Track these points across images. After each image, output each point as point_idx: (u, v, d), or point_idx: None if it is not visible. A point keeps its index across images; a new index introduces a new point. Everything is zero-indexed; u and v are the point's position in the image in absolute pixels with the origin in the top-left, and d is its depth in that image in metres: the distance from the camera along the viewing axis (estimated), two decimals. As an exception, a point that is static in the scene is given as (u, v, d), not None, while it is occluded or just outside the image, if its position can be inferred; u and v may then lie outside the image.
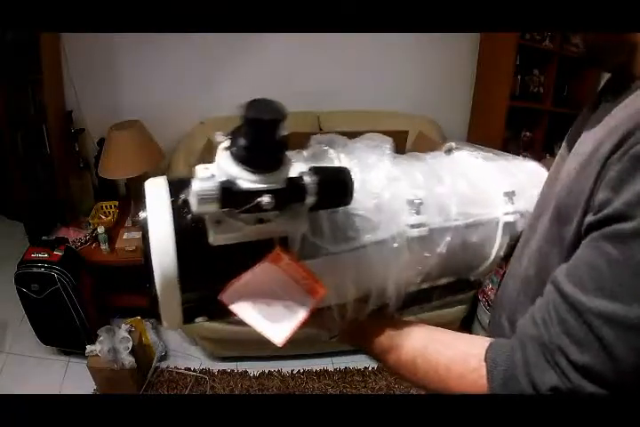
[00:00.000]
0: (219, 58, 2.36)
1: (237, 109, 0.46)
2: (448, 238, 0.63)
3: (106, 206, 2.37)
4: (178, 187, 0.52)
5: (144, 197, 0.52)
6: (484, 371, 0.53)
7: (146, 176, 2.43)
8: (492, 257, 0.69)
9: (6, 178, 2.41)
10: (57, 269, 1.91)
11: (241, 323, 0.58)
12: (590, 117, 0.60)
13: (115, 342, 1.89)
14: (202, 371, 2.08)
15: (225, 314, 0.56)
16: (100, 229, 2.13)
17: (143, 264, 0.54)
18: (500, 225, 0.68)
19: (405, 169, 0.64)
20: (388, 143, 0.64)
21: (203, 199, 0.45)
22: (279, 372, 2.08)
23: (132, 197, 2.32)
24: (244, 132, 0.47)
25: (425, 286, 0.67)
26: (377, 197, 0.58)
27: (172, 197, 0.51)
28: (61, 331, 2.07)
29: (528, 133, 2.55)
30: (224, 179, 0.47)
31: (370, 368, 2.08)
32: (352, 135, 0.67)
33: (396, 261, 0.59)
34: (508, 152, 0.81)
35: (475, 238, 0.67)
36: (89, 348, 1.89)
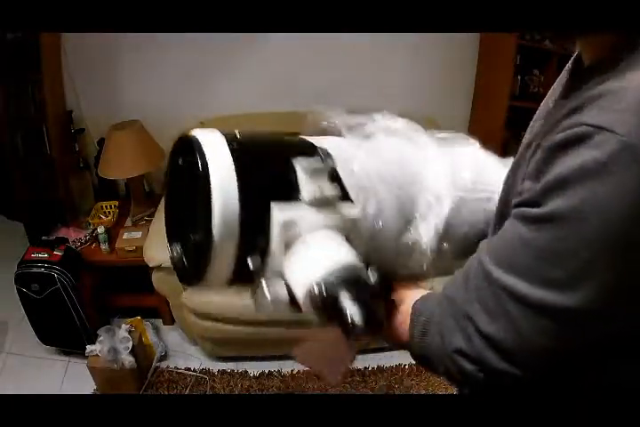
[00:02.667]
0: (219, 58, 2.36)
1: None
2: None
3: (106, 206, 2.37)
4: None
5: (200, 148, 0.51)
6: (407, 315, 0.57)
7: (146, 176, 2.39)
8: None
9: (6, 178, 2.40)
10: (57, 269, 1.91)
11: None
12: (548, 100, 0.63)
13: (115, 342, 1.89)
14: (202, 371, 2.08)
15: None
16: (100, 229, 2.13)
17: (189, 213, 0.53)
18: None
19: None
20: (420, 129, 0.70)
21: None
22: (279, 372, 2.08)
23: (132, 197, 2.32)
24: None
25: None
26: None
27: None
28: (61, 331, 2.07)
29: (528, 133, 2.56)
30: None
31: (370, 368, 2.08)
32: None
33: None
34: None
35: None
36: (89, 348, 1.89)
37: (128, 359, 1.87)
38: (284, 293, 0.54)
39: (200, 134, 0.53)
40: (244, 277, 0.56)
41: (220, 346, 2.10)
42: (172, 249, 0.59)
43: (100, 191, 2.52)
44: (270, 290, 0.53)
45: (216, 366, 2.12)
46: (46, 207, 2.46)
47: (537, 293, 0.46)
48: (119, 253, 2.12)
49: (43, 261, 1.93)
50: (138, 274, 2.08)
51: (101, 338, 1.90)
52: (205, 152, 0.49)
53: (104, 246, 2.16)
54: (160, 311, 2.28)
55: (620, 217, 0.42)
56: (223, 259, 0.50)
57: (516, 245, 0.48)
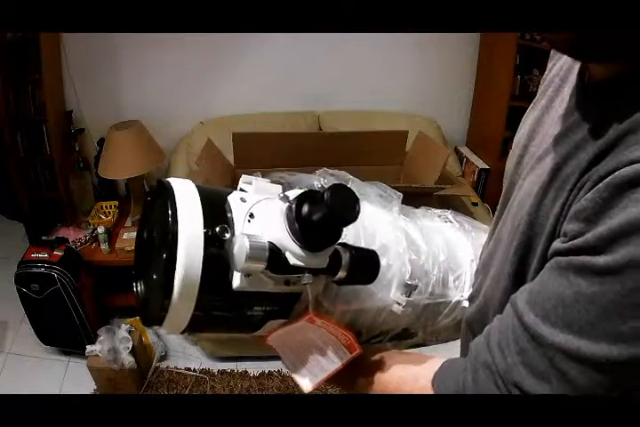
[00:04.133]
0: (219, 58, 2.36)
1: (315, 186, 0.51)
2: (421, 308, 0.66)
3: (106, 206, 2.37)
4: (210, 205, 0.50)
5: (169, 200, 0.49)
6: (431, 391, 0.52)
7: (146, 176, 2.39)
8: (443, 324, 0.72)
9: (6, 178, 2.40)
10: (57, 269, 1.91)
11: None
12: (551, 112, 0.56)
13: (115, 342, 1.89)
14: (202, 371, 2.08)
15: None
16: (100, 229, 2.14)
17: (145, 263, 0.54)
18: (460, 306, 0.71)
19: (407, 234, 0.66)
20: (397, 196, 0.68)
21: (250, 259, 0.46)
22: (279, 372, 2.08)
23: (132, 197, 2.32)
24: (316, 215, 0.48)
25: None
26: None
27: (204, 221, 0.48)
28: (61, 331, 2.07)
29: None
30: (273, 244, 0.48)
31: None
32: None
33: (379, 318, 0.64)
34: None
35: (441, 310, 0.69)
36: (89, 348, 1.89)
37: (128, 359, 1.87)
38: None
39: (175, 182, 0.51)
40: (198, 329, 0.56)
41: (220, 346, 2.10)
42: (135, 286, 0.57)
43: (100, 191, 2.52)
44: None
45: (216, 366, 2.12)
46: (46, 207, 2.46)
47: (602, 349, 0.41)
48: (119, 253, 2.12)
49: (43, 261, 1.93)
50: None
51: (101, 338, 1.89)
52: (177, 202, 0.48)
53: (104, 246, 2.16)
54: (160, 311, 2.28)
55: None
56: (179, 314, 0.50)
57: (572, 300, 0.42)
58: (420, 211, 0.74)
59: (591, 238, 0.41)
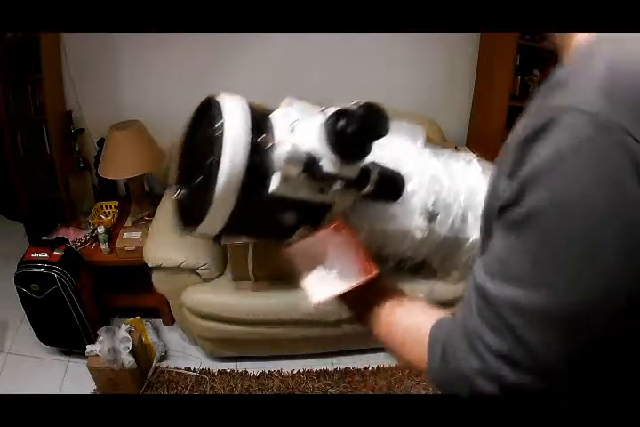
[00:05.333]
0: (218, 58, 2.36)
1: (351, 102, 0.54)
2: (441, 239, 0.68)
3: (106, 206, 2.37)
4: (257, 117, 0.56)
5: (218, 109, 0.55)
6: (426, 342, 0.56)
7: (146, 176, 2.39)
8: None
9: (6, 178, 2.40)
10: (57, 269, 1.91)
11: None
12: None
13: (115, 342, 1.89)
14: (202, 371, 2.08)
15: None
16: (100, 229, 2.14)
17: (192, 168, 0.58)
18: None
19: (431, 167, 0.70)
20: (421, 132, 0.70)
21: (289, 163, 0.52)
22: (279, 372, 2.08)
23: (132, 197, 2.32)
24: (350, 127, 0.53)
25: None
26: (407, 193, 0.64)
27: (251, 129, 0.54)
28: (61, 331, 2.07)
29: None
30: (310, 152, 0.53)
31: (370, 368, 2.08)
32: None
33: (401, 243, 0.67)
34: None
35: (459, 245, 0.71)
36: (89, 348, 1.89)
37: (128, 359, 1.87)
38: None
39: (225, 97, 0.58)
40: (232, 233, 0.60)
41: (219, 346, 2.10)
42: (177, 192, 0.61)
43: (100, 191, 2.52)
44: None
45: (216, 366, 2.12)
46: (46, 207, 2.45)
47: (537, 300, 0.43)
48: (119, 253, 2.12)
49: (43, 261, 1.93)
50: (138, 274, 2.08)
51: (101, 338, 1.89)
52: (225, 112, 0.54)
53: (104, 246, 2.16)
54: (160, 311, 2.28)
55: (605, 198, 0.40)
56: (218, 215, 0.54)
57: (506, 255, 0.46)
58: (446, 151, 0.75)
59: (510, 194, 0.45)
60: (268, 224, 0.59)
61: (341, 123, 0.53)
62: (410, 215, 0.65)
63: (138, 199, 2.32)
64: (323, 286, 0.61)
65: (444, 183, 0.68)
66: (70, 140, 2.41)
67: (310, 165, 0.53)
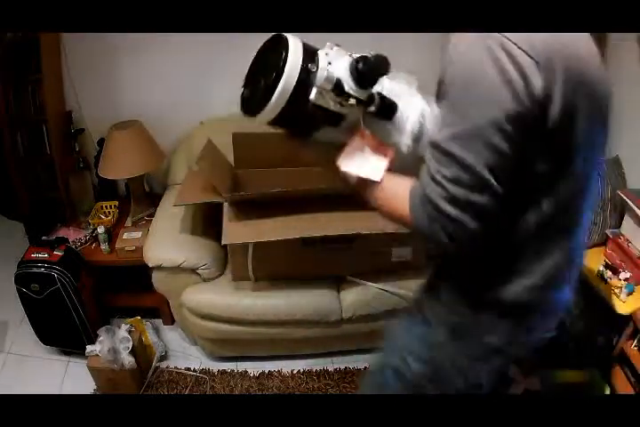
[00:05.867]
0: (218, 58, 2.35)
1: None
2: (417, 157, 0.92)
3: (106, 206, 2.37)
4: (308, 51, 0.85)
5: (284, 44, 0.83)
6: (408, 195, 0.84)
7: (146, 176, 2.39)
8: None
9: (6, 178, 2.40)
10: (57, 269, 1.91)
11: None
12: None
13: (115, 342, 1.89)
14: (202, 371, 2.08)
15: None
16: (100, 229, 2.14)
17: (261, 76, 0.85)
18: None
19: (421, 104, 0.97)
20: (415, 82, 0.98)
21: (325, 81, 0.83)
22: (279, 372, 2.08)
23: (132, 197, 2.32)
24: (366, 66, 0.84)
25: None
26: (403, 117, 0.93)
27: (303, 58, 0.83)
28: (61, 331, 2.07)
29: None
30: (339, 77, 0.84)
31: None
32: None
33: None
34: None
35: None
36: (89, 348, 1.89)
37: (128, 359, 1.87)
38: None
39: (290, 36, 0.85)
40: (278, 122, 0.87)
41: (220, 346, 2.10)
42: (244, 91, 0.91)
43: (100, 191, 2.52)
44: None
45: (216, 366, 2.12)
46: (46, 207, 2.45)
47: (460, 130, 0.76)
48: (119, 253, 2.12)
49: (43, 261, 1.93)
50: (138, 274, 2.08)
51: (101, 338, 1.89)
52: (290, 44, 0.83)
53: (104, 246, 2.16)
54: (160, 311, 2.28)
55: (489, 72, 0.74)
56: (273, 109, 0.82)
57: (442, 113, 0.82)
58: (431, 98, 0.96)
59: (440, 76, 0.84)
60: (305, 120, 0.87)
61: (360, 64, 0.84)
62: (400, 134, 0.92)
63: (138, 199, 2.32)
64: (364, 165, 0.90)
65: (427, 117, 0.92)
66: (70, 141, 2.41)
67: (337, 85, 0.83)
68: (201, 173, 1.98)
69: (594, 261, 1.98)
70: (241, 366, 2.12)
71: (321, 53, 0.84)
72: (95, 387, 1.97)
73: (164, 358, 2.16)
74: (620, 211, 2.01)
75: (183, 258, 1.88)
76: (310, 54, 0.83)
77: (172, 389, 2.01)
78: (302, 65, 0.81)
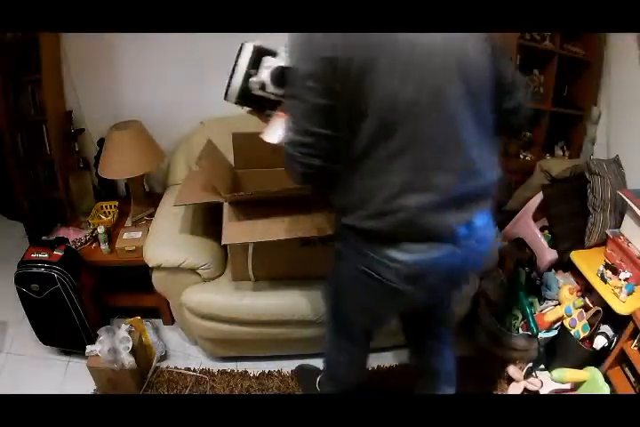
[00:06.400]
0: (219, 58, 2.35)
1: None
2: None
3: (106, 206, 2.37)
4: (257, 55, 1.24)
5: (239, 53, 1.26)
6: None
7: (146, 176, 2.39)
8: None
9: (6, 178, 2.40)
10: (57, 269, 1.91)
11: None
12: None
13: (115, 342, 1.89)
14: (202, 371, 2.09)
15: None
16: (100, 229, 2.14)
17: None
18: None
19: None
20: None
21: (256, 83, 1.22)
22: (279, 372, 2.08)
23: (132, 197, 2.32)
24: (283, 73, 1.18)
25: None
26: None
27: (250, 63, 1.24)
28: (61, 331, 2.07)
29: (528, 133, 2.55)
30: (264, 80, 1.22)
31: (369, 368, 2.07)
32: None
33: None
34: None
35: None
36: (89, 348, 1.89)
37: (128, 359, 1.87)
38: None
39: (247, 44, 1.26)
40: (239, 101, 1.28)
41: (220, 346, 2.10)
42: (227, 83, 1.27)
43: (100, 191, 2.52)
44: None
45: (216, 366, 2.12)
46: (46, 207, 2.45)
47: (295, 101, 1.09)
48: (119, 253, 2.12)
49: (43, 261, 1.93)
50: (138, 274, 2.08)
51: (101, 338, 1.89)
52: (243, 52, 1.26)
53: (104, 246, 2.16)
54: (160, 311, 2.28)
55: (304, 56, 1.04)
56: (234, 92, 1.25)
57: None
58: None
59: None
60: (253, 103, 1.28)
61: (277, 72, 1.20)
62: None
63: (138, 199, 2.32)
64: (279, 133, 1.19)
65: None
66: (70, 141, 2.41)
67: (262, 85, 1.22)
68: (201, 173, 1.98)
69: (594, 261, 1.98)
70: (241, 366, 2.12)
71: (264, 60, 1.22)
72: (95, 387, 1.97)
73: (163, 358, 2.16)
74: (620, 211, 2.01)
75: (183, 258, 1.88)
76: (256, 62, 1.23)
77: (172, 389, 2.01)
78: (247, 70, 1.23)
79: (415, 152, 1.06)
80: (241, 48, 1.24)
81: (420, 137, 1.05)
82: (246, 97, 1.25)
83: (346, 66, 0.98)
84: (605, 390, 1.79)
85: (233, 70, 1.24)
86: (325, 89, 1.01)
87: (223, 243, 1.73)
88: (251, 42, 1.24)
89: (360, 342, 1.60)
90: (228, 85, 1.24)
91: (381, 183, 1.09)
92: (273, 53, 1.23)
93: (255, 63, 1.22)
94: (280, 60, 1.21)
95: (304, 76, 1.03)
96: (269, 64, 1.21)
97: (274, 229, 1.73)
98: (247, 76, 1.22)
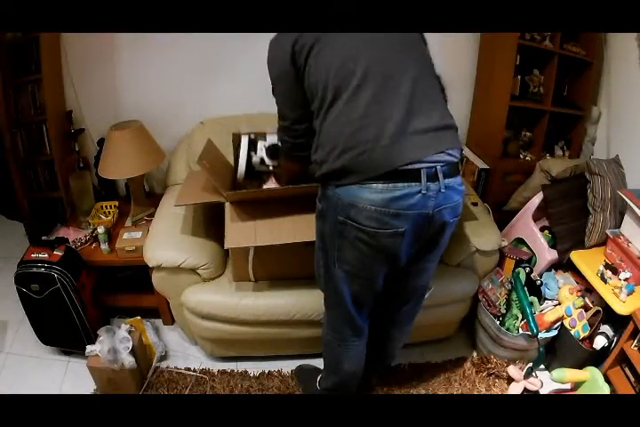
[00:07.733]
0: (218, 58, 2.36)
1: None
2: None
3: (106, 206, 2.37)
4: (253, 142, 1.83)
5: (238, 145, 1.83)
6: None
7: (146, 176, 2.40)
8: None
9: (6, 178, 2.40)
10: (57, 269, 1.91)
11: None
12: None
13: (115, 342, 1.89)
14: (202, 371, 2.09)
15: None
16: (100, 229, 2.14)
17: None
18: None
19: None
20: None
21: (257, 161, 1.82)
22: (279, 372, 2.08)
23: (132, 197, 2.32)
24: (274, 150, 1.76)
25: None
26: None
27: (249, 148, 1.81)
28: (61, 331, 2.07)
29: (528, 133, 2.55)
30: (263, 157, 1.80)
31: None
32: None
33: None
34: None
35: None
36: (89, 348, 1.89)
37: (128, 359, 1.87)
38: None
39: (244, 137, 1.82)
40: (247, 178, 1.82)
41: (220, 346, 2.10)
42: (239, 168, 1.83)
43: (100, 191, 2.52)
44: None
45: (216, 366, 2.12)
46: (46, 207, 2.45)
47: (276, 92, 1.44)
48: (119, 253, 2.12)
49: (43, 261, 1.93)
50: (138, 274, 2.08)
51: (101, 338, 1.89)
52: (241, 143, 1.83)
53: (104, 246, 2.16)
54: (160, 311, 2.29)
55: (277, 60, 1.39)
56: (240, 171, 1.82)
57: None
58: None
59: None
60: (257, 175, 1.82)
61: (270, 149, 1.77)
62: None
63: (138, 199, 2.32)
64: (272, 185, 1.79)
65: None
66: (70, 141, 2.41)
67: (262, 160, 1.78)
68: (201, 173, 1.98)
69: (594, 261, 1.98)
70: (241, 366, 2.12)
71: (259, 143, 1.77)
72: (95, 387, 1.97)
73: (163, 358, 2.16)
74: (620, 211, 2.01)
75: (183, 258, 1.88)
76: (253, 145, 1.79)
77: (172, 389, 2.01)
78: (247, 154, 1.78)
79: (367, 90, 1.23)
80: (239, 141, 1.81)
81: (373, 75, 1.23)
82: (250, 174, 1.81)
83: (301, 44, 1.26)
84: (605, 390, 1.79)
85: (237, 157, 1.80)
86: (290, 74, 1.34)
87: (226, 247, 1.73)
88: (245, 135, 1.80)
89: (357, 326, 1.60)
90: (236, 168, 1.82)
91: (343, 123, 1.25)
92: (263, 138, 1.79)
93: (252, 147, 1.79)
94: (269, 141, 1.76)
95: (276, 74, 1.42)
96: (262, 145, 1.77)
97: (276, 231, 1.73)
98: (249, 157, 1.78)
